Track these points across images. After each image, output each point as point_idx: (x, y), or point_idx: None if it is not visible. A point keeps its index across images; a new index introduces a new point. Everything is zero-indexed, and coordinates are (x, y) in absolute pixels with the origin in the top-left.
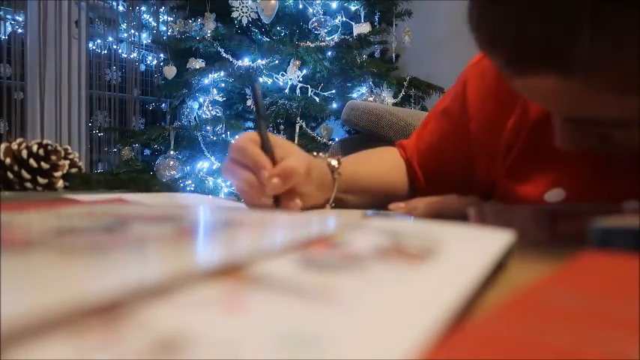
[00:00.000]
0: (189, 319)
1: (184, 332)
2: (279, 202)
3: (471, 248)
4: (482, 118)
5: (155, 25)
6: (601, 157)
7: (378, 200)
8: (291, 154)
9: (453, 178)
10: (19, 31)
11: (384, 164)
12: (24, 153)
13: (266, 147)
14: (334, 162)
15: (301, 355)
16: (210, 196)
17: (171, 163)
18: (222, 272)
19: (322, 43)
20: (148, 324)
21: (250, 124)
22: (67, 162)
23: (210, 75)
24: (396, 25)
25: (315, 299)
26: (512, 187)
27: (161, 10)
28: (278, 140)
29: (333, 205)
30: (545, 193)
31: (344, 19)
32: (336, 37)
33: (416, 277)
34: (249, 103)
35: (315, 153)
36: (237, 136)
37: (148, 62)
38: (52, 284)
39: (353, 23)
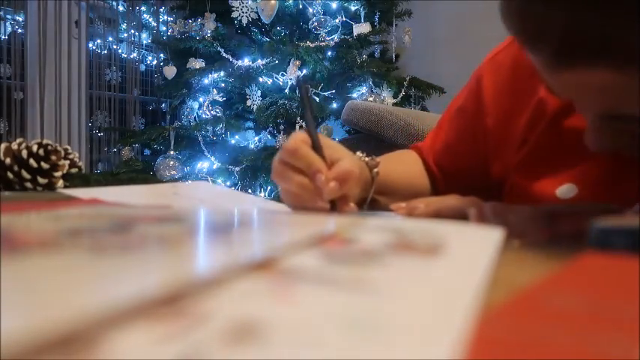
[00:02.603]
0: (251, 308)
1: (254, 319)
2: (334, 206)
3: (473, 243)
4: (498, 113)
5: (155, 25)
6: (615, 154)
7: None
8: (341, 155)
9: (470, 175)
10: (19, 31)
11: (410, 166)
12: (24, 153)
13: (317, 148)
14: (372, 161)
15: (372, 338)
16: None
17: (171, 163)
18: (257, 266)
19: (322, 43)
20: (215, 313)
21: (250, 123)
22: (67, 162)
23: (210, 75)
24: (396, 25)
25: (354, 289)
26: (524, 182)
27: (161, 10)
28: (325, 140)
29: (368, 207)
30: (557, 189)
31: (344, 19)
32: (336, 37)
33: (437, 269)
34: (249, 103)
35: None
36: (289, 137)
37: (148, 62)
38: (115, 280)
39: (353, 23)
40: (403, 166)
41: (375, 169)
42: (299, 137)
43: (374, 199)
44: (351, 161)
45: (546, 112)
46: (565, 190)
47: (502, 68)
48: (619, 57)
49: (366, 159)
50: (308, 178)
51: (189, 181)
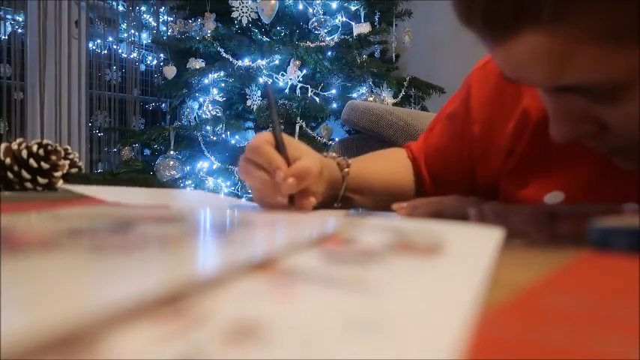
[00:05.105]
0: (251, 308)
1: (254, 319)
2: (293, 201)
3: (473, 243)
4: (484, 121)
5: (155, 25)
6: (601, 161)
7: (384, 200)
8: (304, 154)
9: (457, 180)
10: (19, 31)
11: (390, 164)
12: (24, 153)
13: (280, 147)
14: (343, 161)
15: (372, 338)
16: (209, 194)
17: (171, 163)
18: (257, 266)
19: (322, 43)
20: (215, 313)
21: (250, 123)
22: (67, 162)
23: (210, 75)
24: (396, 25)
25: (354, 289)
26: (513, 190)
27: (161, 10)
28: (291, 140)
29: (340, 204)
30: (545, 196)
31: (344, 19)
32: (336, 37)
33: (436, 269)
34: (249, 103)
35: (325, 154)
36: (252, 137)
37: (148, 62)
38: (115, 280)
39: (353, 23)
40: (383, 164)
41: (346, 169)
42: (262, 136)
43: (347, 197)
44: (311, 159)
45: (530, 122)
46: (552, 197)
47: (490, 77)
48: (538, 15)
49: (338, 159)
50: (268, 175)
51: (186, 189)
